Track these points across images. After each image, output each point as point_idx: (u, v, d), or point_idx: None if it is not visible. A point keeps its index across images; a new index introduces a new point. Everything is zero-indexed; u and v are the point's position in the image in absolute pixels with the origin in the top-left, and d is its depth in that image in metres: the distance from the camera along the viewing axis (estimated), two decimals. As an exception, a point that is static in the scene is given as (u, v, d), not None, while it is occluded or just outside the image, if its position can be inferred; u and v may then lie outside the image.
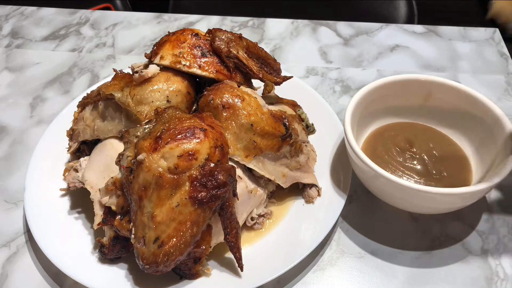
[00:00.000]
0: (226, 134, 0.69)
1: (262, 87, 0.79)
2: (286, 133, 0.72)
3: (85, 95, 0.81)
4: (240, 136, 0.69)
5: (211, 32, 0.78)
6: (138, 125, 0.69)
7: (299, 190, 0.78)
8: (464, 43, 1.13)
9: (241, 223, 0.70)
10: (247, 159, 0.70)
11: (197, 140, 0.62)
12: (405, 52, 1.11)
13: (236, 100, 0.70)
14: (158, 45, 0.77)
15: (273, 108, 0.76)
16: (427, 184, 0.73)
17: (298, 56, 1.11)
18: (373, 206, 0.79)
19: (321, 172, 0.79)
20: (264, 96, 0.78)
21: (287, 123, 0.72)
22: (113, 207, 0.66)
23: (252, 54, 0.79)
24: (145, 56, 0.78)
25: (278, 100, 0.81)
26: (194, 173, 0.61)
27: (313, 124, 0.83)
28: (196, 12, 1.26)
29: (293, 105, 0.82)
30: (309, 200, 0.76)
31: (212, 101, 0.69)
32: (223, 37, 0.76)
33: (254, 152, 0.70)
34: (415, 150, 0.78)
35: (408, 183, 0.66)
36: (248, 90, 0.74)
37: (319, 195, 0.76)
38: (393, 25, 1.20)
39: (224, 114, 0.69)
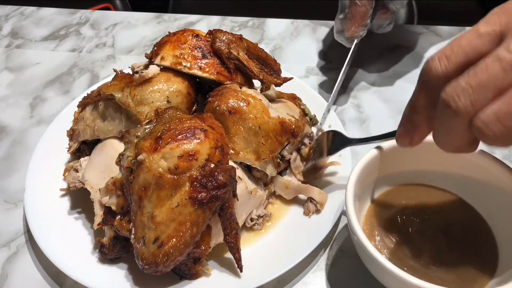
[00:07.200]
0: (236, 139, 0.69)
1: (260, 86, 0.79)
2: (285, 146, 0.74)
3: (85, 95, 0.81)
4: (249, 140, 0.70)
5: (212, 33, 0.78)
6: (138, 125, 0.69)
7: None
8: (464, 43, 1.13)
9: (240, 223, 0.70)
10: (257, 161, 0.70)
11: (197, 141, 0.62)
12: (405, 52, 1.11)
13: (241, 104, 0.70)
14: (159, 46, 0.77)
15: (276, 107, 0.77)
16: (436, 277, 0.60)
17: (298, 56, 1.11)
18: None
19: (321, 173, 0.79)
20: (263, 93, 0.78)
21: (292, 141, 0.75)
22: (113, 207, 0.66)
23: (253, 55, 0.79)
24: (145, 56, 0.78)
25: (278, 96, 0.82)
26: (194, 173, 0.61)
27: (315, 116, 0.84)
28: (196, 12, 1.26)
29: (293, 98, 0.83)
30: (306, 212, 0.74)
31: (217, 108, 0.70)
32: (224, 38, 0.76)
33: (263, 155, 0.70)
34: (427, 227, 0.65)
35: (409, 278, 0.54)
36: (251, 91, 0.74)
37: (316, 210, 0.74)
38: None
39: (232, 119, 0.69)
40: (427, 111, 0.49)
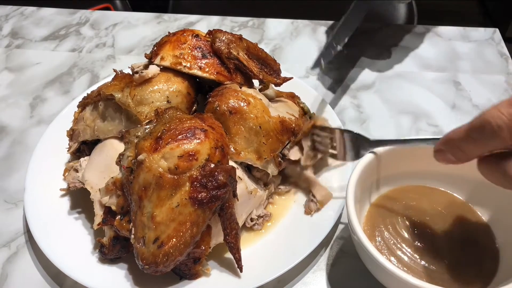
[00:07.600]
0: (237, 139, 0.69)
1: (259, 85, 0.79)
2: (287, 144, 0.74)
3: (85, 95, 0.81)
4: (250, 140, 0.70)
5: (212, 33, 0.78)
6: (138, 125, 0.69)
7: (298, 191, 0.78)
8: (464, 43, 1.13)
9: (240, 224, 0.70)
10: (258, 161, 0.70)
11: (197, 141, 0.62)
12: (405, 52, 1.11)
13: (242, 104, 0.70)
14: (159, 46, 0.77)
15: (276, 106, 0.77)
16: (435, 278, 0.60)
17: (298, 56, 1.11)
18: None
19: (321, 173, 0.79)
20: (262, 93, 0.78)
21: (293, 139, 0.74)
22: (113, 207, 0.66)
23: (252, 55, 0.79)
24: (145, 56, 0.78)
25: (277, 94, 0.82)
26: (194, 173, 0.61)
27: (314, 113, 0.84)
28: (196, 12, 1.26)
29: (292, 96, 0.83)
30: (307, 211, 0.74)
31: (218, 108, 0.70)
32: (224, 38, 0.76)
33: (265, 154, 0.71)
34: (428, 228, 0.65)
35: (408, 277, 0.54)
36: (251, 91, 0.74)
37: (317, 209, 0.74)
38: (393, 25, 1.20)
39: (232, 119, 0.69)
40: (476, 154, 0.50)
